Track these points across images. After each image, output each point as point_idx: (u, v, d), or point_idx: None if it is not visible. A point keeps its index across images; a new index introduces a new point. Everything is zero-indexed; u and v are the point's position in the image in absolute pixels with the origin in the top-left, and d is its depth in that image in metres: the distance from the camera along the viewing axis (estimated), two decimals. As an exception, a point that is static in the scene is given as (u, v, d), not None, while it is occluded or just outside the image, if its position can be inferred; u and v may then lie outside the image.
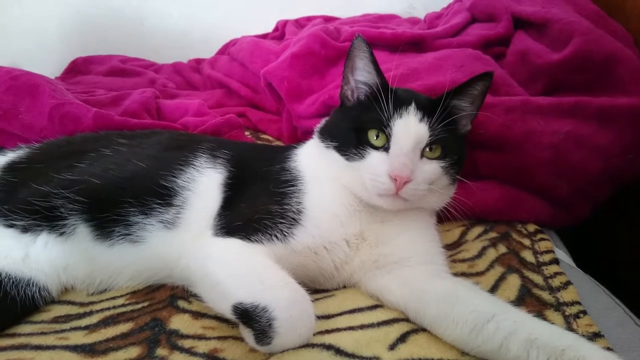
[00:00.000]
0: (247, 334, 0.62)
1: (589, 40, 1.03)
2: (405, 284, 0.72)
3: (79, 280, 0.79)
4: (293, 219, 0.73)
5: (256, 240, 0.70)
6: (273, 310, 0.59)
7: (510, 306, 0.65)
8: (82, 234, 0.77)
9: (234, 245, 0.70)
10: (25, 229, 0.77)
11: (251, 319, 0.59)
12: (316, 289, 0.78)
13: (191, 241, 0.73)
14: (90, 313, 0.73)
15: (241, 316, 0.61)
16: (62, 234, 0.77)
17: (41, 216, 0.76)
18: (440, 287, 0.69)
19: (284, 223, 0.73)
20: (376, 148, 0.75)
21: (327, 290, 0.79)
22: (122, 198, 0.77)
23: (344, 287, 0.80)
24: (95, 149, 0.86)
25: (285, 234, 0.72)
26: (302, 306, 0.62)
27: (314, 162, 0.82)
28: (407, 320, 0.69)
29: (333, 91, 1.14)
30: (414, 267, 0.75)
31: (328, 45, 1.29)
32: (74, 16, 2.21)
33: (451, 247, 0.88)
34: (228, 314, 0.62)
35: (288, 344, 0.61)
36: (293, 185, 0.77)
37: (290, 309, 0.60)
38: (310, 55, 1.28)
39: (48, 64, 1.95)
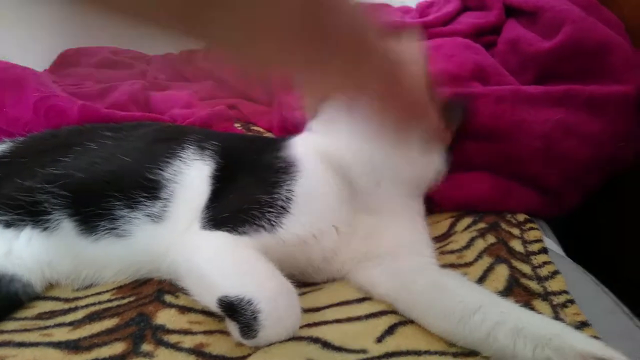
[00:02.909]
0: (232, 327, 0.62)
1: (580, 28, 1.02)
2: (394, 276, 0.71)
3: (63, 275, 0.78)
4: (282, 207, 0.73)
5: (244, 232, 0.69)
6: (258, 303, 0.59)
7: (497, 296, 0.65)
8: (66, 228, 0.76)
9: (220, 238, 0.69)
10: (7, 224, 0.76)
11: (236, 312, 0.59)
12: (306, 282, 0.78)
13: (178, 235, 0.73)
14: (75, 309, 0.72)
15: (226, 309, 0.60)
16: (46, 228, 0.76)
17: (24, 211, 0.75)
18: (429, 279, 0.69)
19: (272, 212, 0.72)
20: None
21: (316, 284, 0.79)
22: (107, 192, 0.76)
23: (334, 280, 0.79)
24: (80, 143, 0.85)
25: (273, 223, 0.71)
26: (288, 298, 0.62)
27: (305, 148, 0.81)
28: (395, 312, 0.69)
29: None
30: (403, 259, 0.74)
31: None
32: (63, 7, 2.18)
33: (440, 239, 0.88)
34: (214, 307, 0.62)
35: (274, 337, 0.60)
36: (284, 174, 0.77)
37: (275, 301, 0.60)
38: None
39: (38, 56, 1.93)
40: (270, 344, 0.61)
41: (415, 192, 0.85)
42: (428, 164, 0.84)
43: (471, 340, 0.60)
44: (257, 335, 0.59)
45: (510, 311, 0.61)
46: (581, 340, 0.55)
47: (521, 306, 0.63)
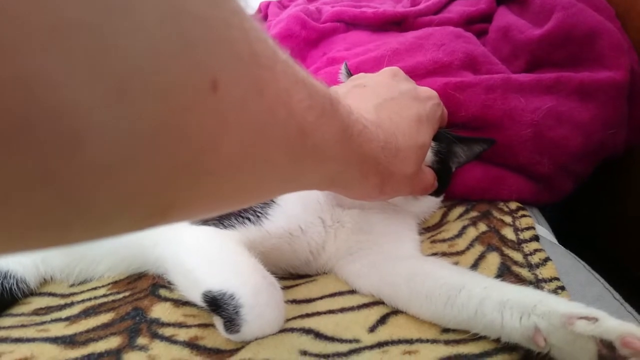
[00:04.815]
0: (218, 322, 0.63)
1: (570, 15, 1.01)
2: (374, 268, 0.72)
3: (57, 270, 0.79)
4: None
5: (229, 225, 0.70)
6: (240, 297, 0.59)
7: (477, 274, 0.66)
8: None
9: (206, 232, 0.69)
10: None
11: (219, 306, 0.59)
12: (299, 275, 0.79)
13: (166, 229, 0.73)
14: (71, 304, 0.73)
15: (210, 304, 0.61)
16: None
17: None
18: (407, 267, 0.69)
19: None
20: None
21: (309, 276, 0.79)
22: None
23: (324, 273, 0.80)
24: None
25: (259, 214, 0.72)
26: (270, 293, 0.62)
27: None
28: (386, 302, 0.69)
29: (313, 73, 1.13)
30: (385, 250, 0.75)
31: (308, 26, 1.27)
32: None
33: (432, 229, 0.89)
34: (199, 302, 0.63)
35: (257, 332, 0.61)
36: None
37: (257, 295, 0.60)
38: (291, 37, 1.26)
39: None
40: (257, 339, 0.61)
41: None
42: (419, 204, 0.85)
43: (461, 318, 0.61)
44: (240, 330, 0.59)
45: (493, 285, 0.62)
46: (563, 303, 0.56)
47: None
